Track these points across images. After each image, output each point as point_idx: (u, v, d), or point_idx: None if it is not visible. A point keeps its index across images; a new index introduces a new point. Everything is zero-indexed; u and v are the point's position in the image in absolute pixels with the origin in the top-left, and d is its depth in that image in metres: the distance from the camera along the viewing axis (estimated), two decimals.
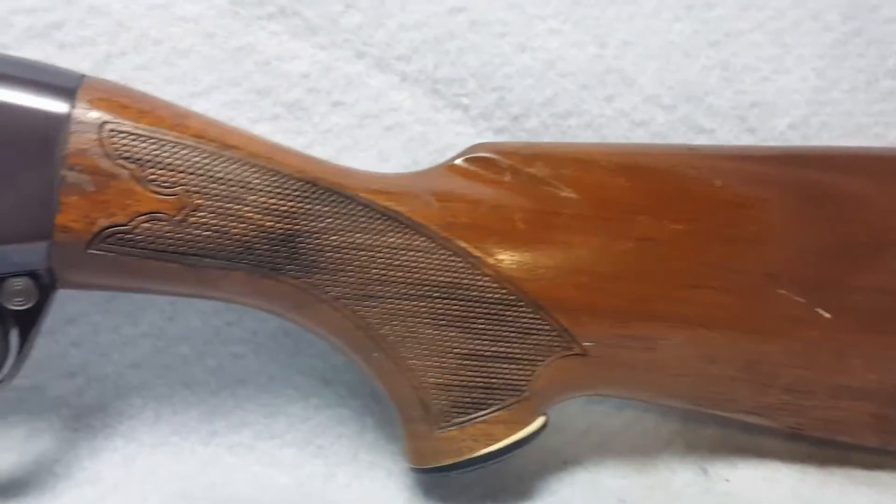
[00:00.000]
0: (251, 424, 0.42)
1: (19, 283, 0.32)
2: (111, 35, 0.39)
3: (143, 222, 0.33)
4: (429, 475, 0.40)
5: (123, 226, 0.33)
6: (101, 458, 0.40)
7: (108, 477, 0.40)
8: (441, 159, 0.44)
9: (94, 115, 0.32)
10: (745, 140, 0.48)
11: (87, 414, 0.40)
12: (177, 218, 0.33)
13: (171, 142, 0.33)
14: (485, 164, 0.40)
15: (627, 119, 0.47)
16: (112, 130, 0.32)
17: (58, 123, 0.32)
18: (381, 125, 0.44)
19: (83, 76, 0.34)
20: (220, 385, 0.42)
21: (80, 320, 0.41)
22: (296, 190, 0.35)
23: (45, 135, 0.31)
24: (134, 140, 0.33)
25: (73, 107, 0.32)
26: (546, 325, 0.38)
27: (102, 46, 0.39)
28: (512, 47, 0.45)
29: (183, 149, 0.34)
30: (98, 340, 0.40)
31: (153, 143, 0.33)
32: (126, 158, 0.32)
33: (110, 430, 0.40)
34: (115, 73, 0.38)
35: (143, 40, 0.39)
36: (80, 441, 0.40)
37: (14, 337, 0.34)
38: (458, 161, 0.40)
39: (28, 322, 0.33)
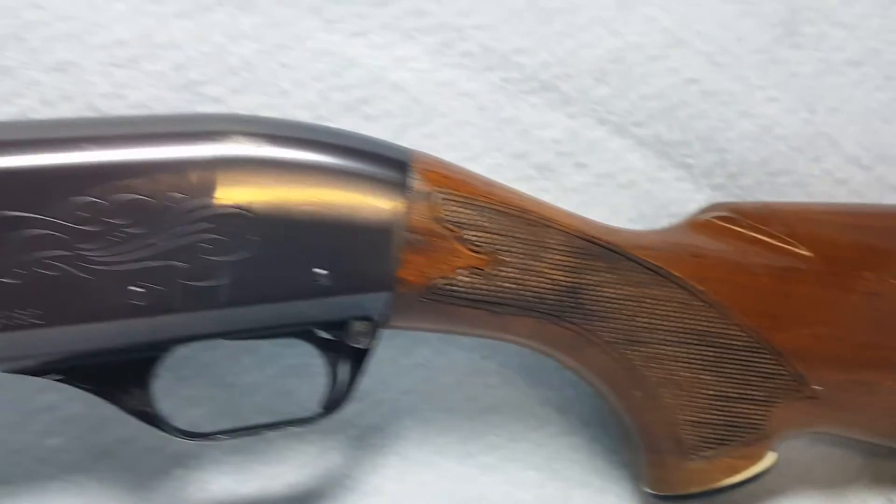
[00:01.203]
0: (499, 448, 0.48)
1: (361, 326, 0.38)
2: (406, 108, 0.45)
3: (464, 276, 0.38)
4: (668, 502, 0.45)
5: (448, 279, 0.38)
6: (381, 473, 0.46)
7: (388, 490, 0.46)
8: (664, 213, 0.50)
9: (426, 186, 0.38)
10: None
11: (368, 434, 0.46)
12: (489, 272, 0.39)
13: (483, 207, 0.39)
14: (726, 222, 0.45)
15: (831, 178, 0.52)
16: (440, 199, 0.38)
17: (400, 193, 0.37)
18: (616, 183, 0.49)
19: (409, 150, 0.40)
20: (475, 411, 0.48)
21: None
22: (579, 248, 0.40)
23: (390, 202, 0.37)
24: (456, 206, 0.38)
25: (409, 178, 0.38)
26: (784, 370, 0.43)
27: (399, 118, 0.45)
28: (735, 113, 0.50)
29: (492, 213, 0.39)
30: (379, 370, 0.46)
31: (470, 209, 0.39)
32: (450, 222, 0.38)
33: (387, 448, 0.46)
34: (407, 141, 0.44)
35: (431, 113, 0.45)
36: (364, 457, 0.46)
37: (344, 371, 0.40)
38: (703, 218, 0.46)
39: (359, 358, 0.40)
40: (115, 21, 0.39)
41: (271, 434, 0.40)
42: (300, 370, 0.45)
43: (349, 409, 0.46)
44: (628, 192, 0.50)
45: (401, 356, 0.47)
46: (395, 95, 0.44)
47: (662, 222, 0.50)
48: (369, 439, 0.46)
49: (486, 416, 0.48)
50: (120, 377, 0.36)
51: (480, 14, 0.46)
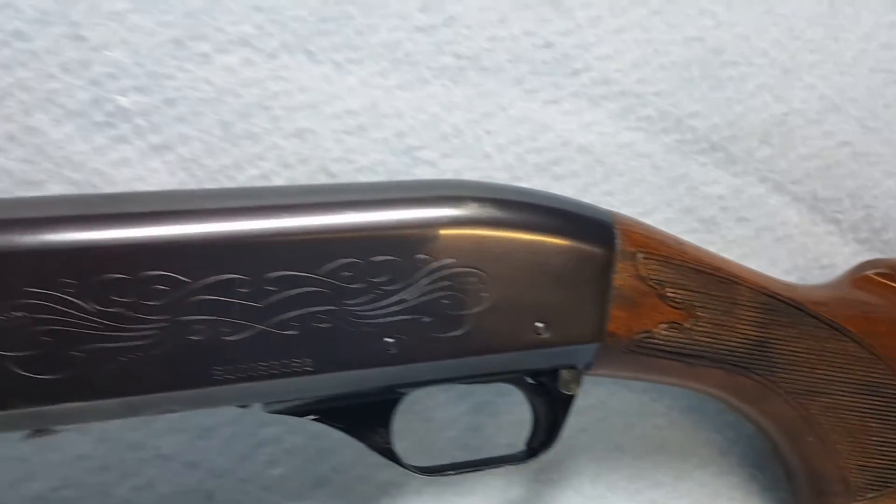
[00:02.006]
0: (665, 486, 0.51)
1: (569, 374, 0.42)
2: (590, 168, 0.48)
3: (664, 330, 0.42)
4: None
5: (650, 333, 0.42)
6: None
7: None
8: (816, 265, 0.53)
9: (629, 246, 0.41)
10: None
11: (548, 468, 0.50)
12: (686, 327, 0.42)
13: (679, 266, 0.42)
14: (885, 278, 0.48)
15: None
16: (642, 258, 0.42)
17: (608, 253, 0.40)
18: (774, 236, 0.53)
19: (611, 212, 0.43)
20: (643, 451, 0.51)
21: None
22: (764, 303, 0.44)
23: (600, 262, 0.41)
24: (657, 265, 0.42)
25: (614, 239, 0.41)
26: None
27: (583, 178, 0.48)
28: (882, 173, 0.54)
29: (688, 271, 0.42)
30: None
31: (669, 267, 0.42)
32: (653, 280, 0.42)
33: (564, 483, 0.49)
34: (589, 198, 0.48)
35: (611, 172, 0.49)
36: (543, 491, 0.49)
37: (547, 413, 0.43)
38: (862, 274, 0.49)
39: (565, 403, 0.43)
40: (347, 93, 0.43)
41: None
42: (487, 408, 0.49)
43: None
44: (784, 245, 0.53)
45: (578, 397, 0.50)
46: (581, 157, 0.48)
47: (814, 273, 0.53)
48: (548, 474, 0.50)
49: (654, 456, 0.51)
50: (367, 417, 0.40)
51: (660, 82, 0.49)
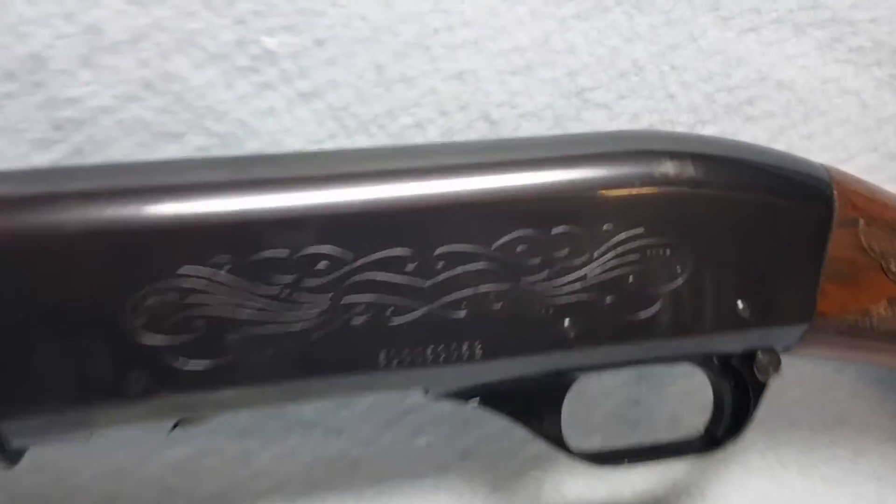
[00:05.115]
0: (842, 459, 0.46)
1: (766, 358, 0.36)
2: (788, 108, 0.41)
3: (883, 309, 0.36)
4: None
5: (866, 312, 0.36)
6: (725, 482, 0.45)
7: (732, 499, 0.45)
8: None
9: (849, 211, 0.35)
10: None
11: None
12: None
13: None
14: None
15: None
16: (863, 226, 0.35)
17: (824, 220, 0.34)
18: None
19: (828, 168, 0.36)
20: (820, 424, 0.46)
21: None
22: None
23: (816, 230, 0.34)
24: (880, 233, 0.36)
25: (832, 203, 0.35)
26: None
27: (778, 119, 0.41)
28: None
29: None
30: None
31: (893, 235, 0.36)
32: (875, 250, 0.36)
33: (731, 459, 0.45)
34: (783, 143, 0.41)
35: (812, 112, 0.42)
36: (708, 467, 0.45)
37: (734, 398, 0.38)
38: None
39: (757, 388, 0.37)
40: (515, 25, 0.37)
41: None
42: (648, 378, 0.44)
43: (697, 419, 0.45)
44: None
45: None
46: (779, 94, 0.41)
47: None
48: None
49: (832, 429, 0.46)
50: (535, 403, 0.36)
51: (876, 7, 0.41)
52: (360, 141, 0.37)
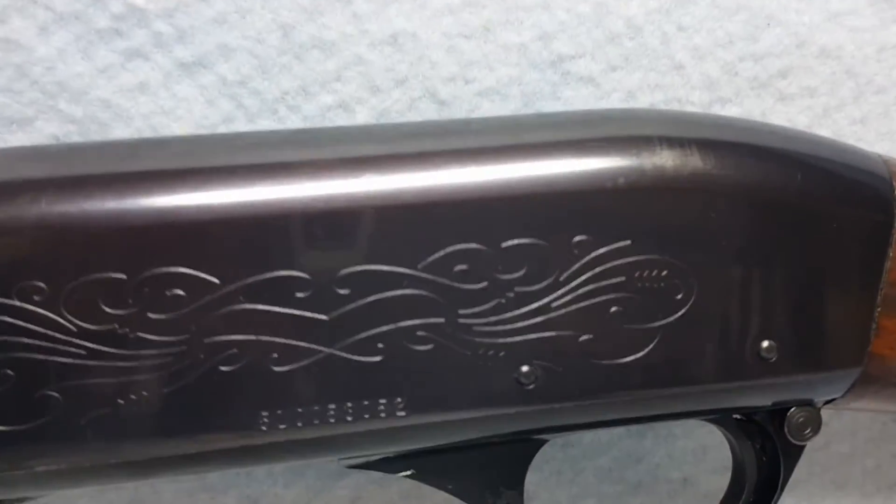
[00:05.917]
0: None
1: (805, 414, 0.28)
2: (834, 84, 0.33)
3: None
4: None
5: None
6: None
7: None
8: None
9: None
10: None
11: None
12: None
13: None
14: None
15: None
16: None
17: (885, 232, 0.26)
18: None
19: (882, 160, 0.28)
20: (874, 486, 0.38)
21: None
22: None
23: (870, 246, 0.26)
24: None
25: (892, 206, 0.26)
26: None
27: (822, 98, 0.33)
28: None
29: None
30: None
31: None
32: None
33: None
34: (827, 129, 0.32)
35: (866, 89, 0.33)
36: None
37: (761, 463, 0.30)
38: None
39: (790, 451, 0.29)
40: None
41: None
42: (652, 428, 0.36)
43: (710, 482, 0.37)
44: None
45: None
46: (822, 65, 0.33)
47: None
48: None
49: (888, 491, 0.38)
50: (489, 474, 0.27)
51: None
52: (266, 125, 0.29)
